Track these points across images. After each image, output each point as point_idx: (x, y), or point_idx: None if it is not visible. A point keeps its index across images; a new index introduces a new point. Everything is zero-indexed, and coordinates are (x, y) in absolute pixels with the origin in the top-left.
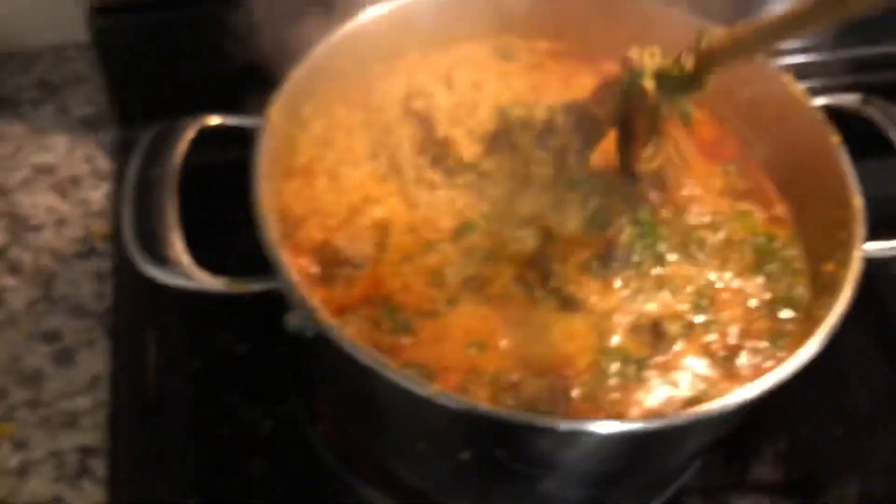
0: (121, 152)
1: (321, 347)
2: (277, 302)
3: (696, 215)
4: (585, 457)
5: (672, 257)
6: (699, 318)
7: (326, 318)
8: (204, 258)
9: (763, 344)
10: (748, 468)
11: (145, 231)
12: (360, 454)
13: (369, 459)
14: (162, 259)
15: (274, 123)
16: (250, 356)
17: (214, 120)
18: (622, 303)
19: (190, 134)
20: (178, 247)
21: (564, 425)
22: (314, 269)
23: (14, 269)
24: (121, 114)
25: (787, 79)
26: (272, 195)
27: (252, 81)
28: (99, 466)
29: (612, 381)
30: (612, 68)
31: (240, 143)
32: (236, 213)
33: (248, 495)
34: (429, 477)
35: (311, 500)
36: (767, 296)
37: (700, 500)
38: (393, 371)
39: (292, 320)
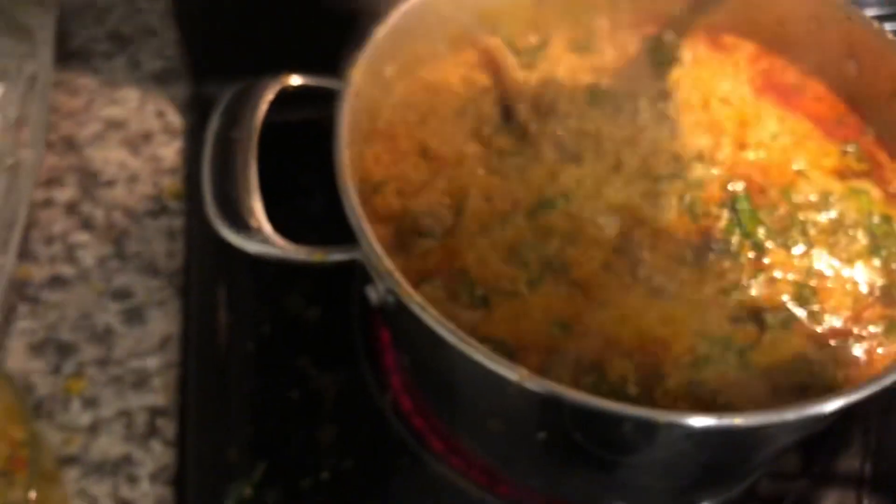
0: (193, 108)
1: (401, 319)
2: (351, 269)
3: (803, 196)
4: (672, 448)
5: (772, 244)
6: (802, 309)
7: (412, 292)
8: (278, 220)
9: (876, 329)
10: (834, 459)
11: (225, 195)
12: (431, 428)
13: (440, 433)
14: (242, 225)
15: (356, 85)
16: (320, 321)
17: (296, 80)
18: (718, 293)
19: (270, 94)
20: (258, 213)
21: (664, 417)
22: (391, 236)
23: (86, 224)
24: (193, 69)
25: None
26: (354, 161)
27: (332, 39)
28: (168, 427)
29: (710, 369)
30: None
31: (315, 103)
32: (310, 173)
33: (316, 463)
34: (501, 456)
35: (379, 471)
36: (881, 282)
37: (780, 491)
38: (480, 352)
39: (374, 292)
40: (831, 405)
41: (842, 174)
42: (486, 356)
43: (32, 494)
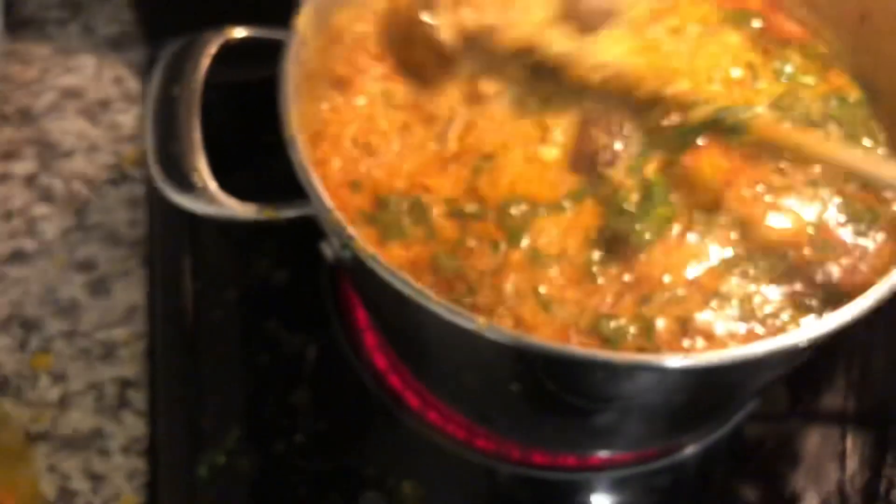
0: (150, 73)
1: (359, 274)
2: (314, 227)
3: None
4: (646, 391)
5: None
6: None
7: (365, 245)
8: (235, 183)
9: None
10: (818, 397)
11: (169, 155)
12: (406, 385)
13: (416, 390)
14: (188, 185)
15: (302, 34)
16: (289, 284)
17: (240, 32)
18: None
19: (213, 49)
20: (203, 171)
21: (623, 359)
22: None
23: (46, 197)
24: (148, 31)
25: None
26: (307, 116)
27: None
28: (138, 398)
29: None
30: None
31: (270, 59)
32: (270, 133)
33: (292, 426)
34: (476, 409)
35: (355, 431)
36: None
37: (765, 431)
38: (436, 303)
39: (329, 248)
40: (805, 334)
41: None
42: (442, 307)
43: None
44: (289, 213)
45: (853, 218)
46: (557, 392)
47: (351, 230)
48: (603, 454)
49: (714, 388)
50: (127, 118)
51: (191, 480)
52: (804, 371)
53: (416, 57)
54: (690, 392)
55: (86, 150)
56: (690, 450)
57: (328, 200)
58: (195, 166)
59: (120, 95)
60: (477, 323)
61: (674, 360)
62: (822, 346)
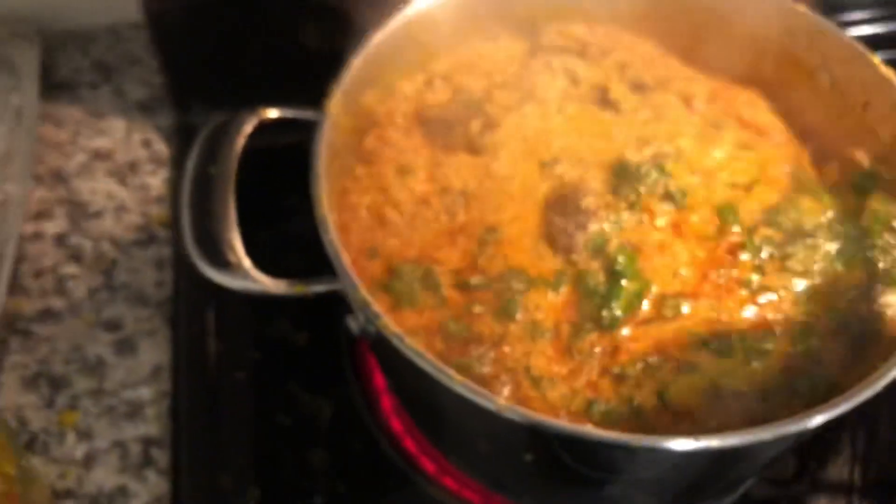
0: (178, 137)
1: (382, 349)
2: (337, 297)
3: None
4: (656, 467)
5: None
6: None
7: (390, 324)
8: (263, 245)
9: None
10: (825, 467)
11: (204, 233)
12: (421, 449)
13: (431, 455)
14: (222, 261)
15: (334, 115)
16: (309, 346)
17: (273, 113)
18: None
19: (248, 129)
20: (238, 249)
21: (641, 442)
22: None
23: (75, 256)
24: (177, 97)
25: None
26: (334, 193)
27: (313, 65)
28: (162, 457)
29: None
30: None
31: (296, 128)
32: (295, 197)
33: (310, 487)
34: (490, 476)
35: (372, 494)
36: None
37: (772, 497)
38: (458, 383)
39: (355, 322)
40: (811, 422)
41: None
42: (464, 387)
43: None
44: (318, 288)
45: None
46: (570, 464)
47: (377, 309)
48: None
49: (723, 464)
50: (155, 180)
51: None
52: (811, 441)
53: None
54: (701, 468)
55: (115, 211)
56: None
57: (357, 279)
58: (230, 244)
59: (148, 158)
60: (496, 404)
61: (683, 444)
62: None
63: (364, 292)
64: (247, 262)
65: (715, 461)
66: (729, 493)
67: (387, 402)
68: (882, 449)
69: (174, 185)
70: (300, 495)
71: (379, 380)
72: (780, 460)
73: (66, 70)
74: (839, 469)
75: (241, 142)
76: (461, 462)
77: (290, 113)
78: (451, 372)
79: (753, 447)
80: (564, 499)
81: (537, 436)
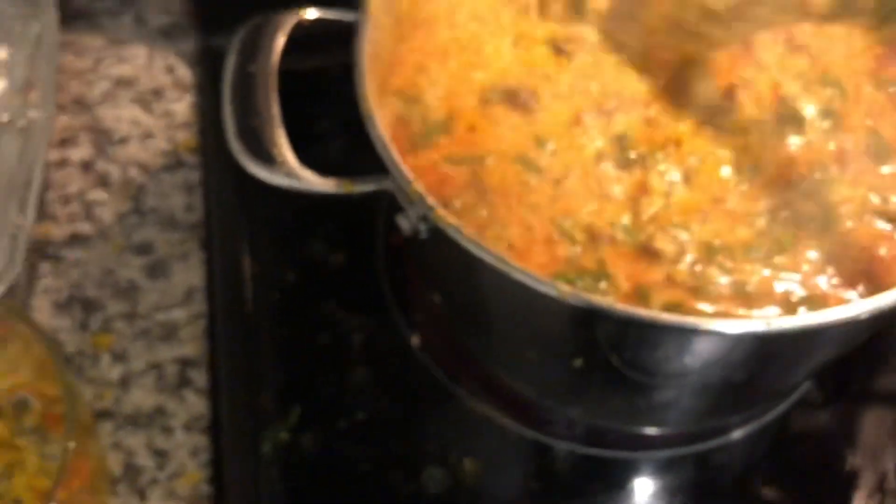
0: (202, 62)
1: (434, 247)
2: (373, 212)
3: None
4: (709, 360)
5: None
6: None
7: (447, 216)
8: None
9: None
10: (871, 378)
11: (248, 130)
12: (462, 362)
13: (473, 367)
14: (267, 158)
15: (374, 14)
16: (345, 266)
17: (311, 14)
18: None
19: (287, 28)
20: (283, 146)
21: (697, 324)
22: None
23: (103, 182)
24: (200, 22)
25: None
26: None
27: None
28: (199, 377)
29: None
30: None
31: (322, 49)
32: (323, 120)
33: (353, 405)
34: (537, 385)
35: (414, 409)
36: None
37: (818, 413)
38: (518, 271)
39: (406, 220)
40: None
41: None
42: (525, 275)
43: (72, 445)
44: (365, 187)
45: None
46: (621, 364)
47: (432, 202)
48: (654, 432)
49: (782, 355)
50: (180, 106)
51: (255, 457)
52: (857, 353)
53: None
54: (749, 362)
55: (140, 137)
56: (739, 433)
57: (409, 173)
58: (275, 141)
59: (172, 84)
60: (559, 290)
61: (754, 325)
62: (881, 326)
63: (418, 185)
64: (292, 159)
65: (763, 354)
66: (775, 404)
67: (425, 320)
68: None
69: (204, 106)
70: (343, 412)
71: (417, 298)
72: (827, 375)
73: None
74: (887, 379)
75: (281, 41)
76: (506, 373)
77: (329, 14)
78: (512, 260)
79: (809, 336)
80: (611, 407)
81: (591, 325)
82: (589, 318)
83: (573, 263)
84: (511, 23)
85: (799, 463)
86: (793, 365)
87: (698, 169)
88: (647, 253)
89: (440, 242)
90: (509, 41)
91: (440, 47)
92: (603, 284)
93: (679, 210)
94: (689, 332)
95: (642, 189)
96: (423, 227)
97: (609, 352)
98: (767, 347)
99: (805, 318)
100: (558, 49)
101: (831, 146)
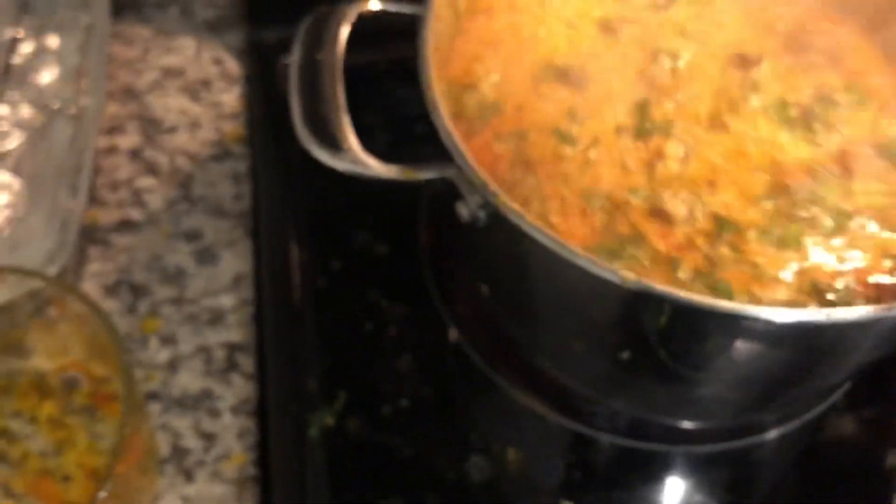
0: (250, 55)
1: (493, 234)
2: (416, 205)
3: None
4: (753, 352)
5: None
6: None
7: (510, 202)
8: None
9: None
10: None
11: (315, 116)
12: (504, 353)
13: (514, 359)
14: (334, 144)
15: (437, 6)
16: (389, 257)
17: (375, 5)
18: None
19: (351, 18)
20: (348, 132)
21: (752, 311)
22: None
23: (151, 170)
24: (248, 15)
25: None
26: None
27: None
28: (246, 362)
29: None
30: None
31: (374, 44)
32: (371, 114)
33: (397, 392)
34: (581, 377)
35: (459, 398)
36: None
37: (853, 418)
38: (582, 256)
39: (465, 208)
40: None
41: None
42: (588, 260)
43: (127, 426)
44: (428, 174)
45: None
46: (667, 356)
47: (495, 188)
48: (694, 426)
49: (830, 350)
50: (228, 97)
51: (301, 441)
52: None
53: None
54: (794, 356)
55: (188, 127)
56: (776, 432)
57: (473, 160)
58: (341, 128)
59: (220, 75)
60: (621, 276)
61: (805, 314)
62: None
63: (482, 171)
64: (357, 145)
65: (810, 346)
66: (814, 404)
67: (468, 311)
68: None
69: (252, 98)
70: (388, 399)
71: (460, 289)
72: (866, 375)
73: None
74: None
75: (345, 30)
76: (551, 364)
77: (392, 6)
78: (575, 246)
79: (859, 328)
80: (654, 400)
81: (647, 317)
82: (646, 305)
83: (611, 232)
84: (567, 3)
85: (835, 464)
86: (838, 361)
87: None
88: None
89: (499, 229)
90: (564, 23)
91: (496, 34)
92: (639, 251)
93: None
94: (743, 320)
95: (658, 154)
96: (482, 215)
97: (658, 343)
98: (817, 340)
99: (864, 310)
100: (608, 28)
101: None
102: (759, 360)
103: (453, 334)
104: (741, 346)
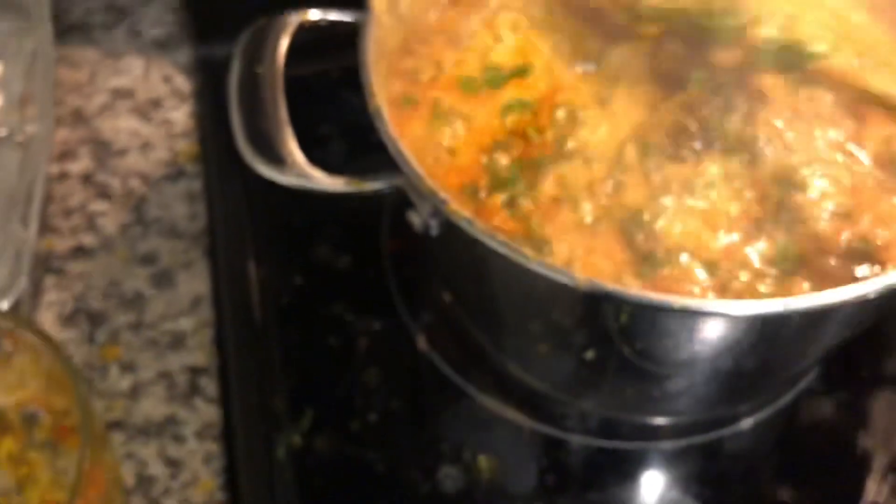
0: (199, 71)
1: (447, 242)
2: (379, 214)
3: None
4: (716, 346)
5: None
6: None
7: (460, 210)
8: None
9: None
10: (879, 362)
11: (256, 131)
12: (472, 360)
13: (483, 365)
14: (277, 158)
15: (377, 12)
16: (351, 269)
17: (314, 14)
18: None
19: (290, 29)
20: (292, 146)
21: (706, 306)
22: None
23: (104, 194)
24: (196, 32)
25: None
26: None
27: None
28: (209, 385)
29: None
30: None
31: (320, 54)
32: (324, 124)
33: (365, 406)
34: (549, 379)
35: (426, 408)
36: None
37: (828, 398)
38: (534, 260)
39: (417, 216)
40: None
41: None
42: (541, 265)
43: (86, 459)
44: (375, 184)
45: None
46: (632, 353)
47: (444, 195)
48: (666, 421)
49: (778, 342)
50: (179, 115)
51: (269, 462)
52: (863, 339)
53: None
54: (758, 347)
55: (140, 148)
56: (749, 421)
57: (420, 168)
58: (284, 142)
59: (170, 94)
60: (574, 278)
61: (761, 306)
62: (885, 309)
63: (429, 180)
64: (301, 159)
65: (772, 337)
66: (784, 391)
67: (434, 319)
68: None
69: (203, 115)
70: (356, 414)
71: (425, 298)
72: (835, 358)
73: (78, 12)
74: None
75: (285, 42)
76: (519, 367)
77: (332, 15)
78: (527, 250)
79: (816, 317)
80: (623, 398)
81: (606, 317)
82: (601, 306)
83: None
84: None
85: (809, 449)
86: (803, 348)
87: None
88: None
89: (452, 237)
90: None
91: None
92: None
93: None
94: (702, 316)
95: None
96: (434, 223)
97: (621, 341)
98: (778, 329)
99: (819, 297)
100: None
101: None
102: (724, 353)
103: (421, 343)
104: (703, 341)
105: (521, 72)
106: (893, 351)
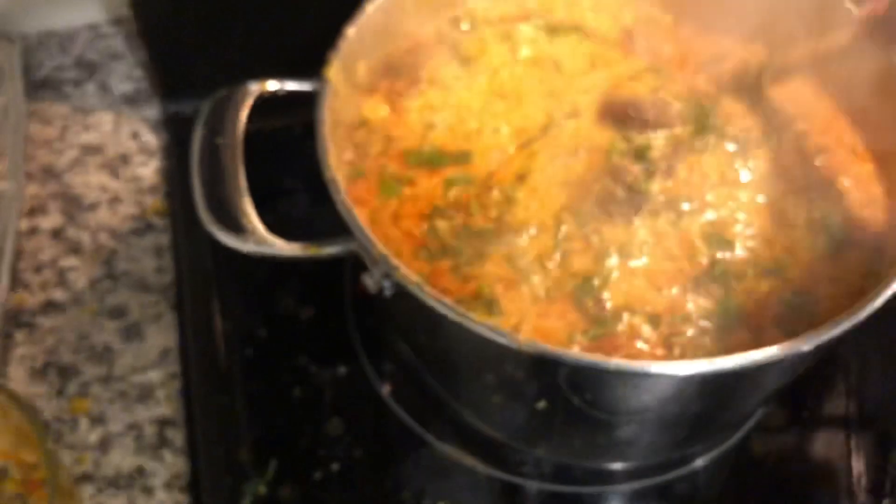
0: (167, 127)
1: (399, 303)
2: (340, 266)
3: None
4: (661, 398)
5: None
6: None
7: (410, 275)
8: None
9: None
10: (820, 404)
11: (217, 200)
12: (432, 409)
13: (442, 413)
14: (236, 227)
15: (334, 83)
16: (314, 320)
17: (273, 85)
18: None
19: (250, 99)
20: (250, 214)
21: (643, 368)
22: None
23: (74, 249)
24: (163, 88)
25: None
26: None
27: (295, 49)
28: (177, 436)
29: None
30: None
31: (287, 110)
32: (290, 177)
33: (328, 456)
34: (504, 427)
35: (388, 457)
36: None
37: (773, 439)
38: (479, 324)
39: (370, 279)
40: (810, 343)
41: None
42: (485, 327)
43: None
44: (331, 249)
45: None
46: (581, 404)
47: (395, 261)
48: (619, 466)
49: (722, 394)
50: (147, 171)
51: None
52: (805, 381)
53: None
54: (701, 397)
55: (109, 203)
56: (700, 461)
57: (371, 235)
58: (243, 209)
59: (138, 149)
60: (515, 340)
61: (691, 366)
62: (822, 355)
63: (381, 246)
64: (260, 227)
65: (714, 390)
66: (732, 432)
67: (395, 369)
68: (874, 379)
69: (171, 170)
70: (319, 463)
71: (386, 348)
72: (780, 402)
73: (48, 69)
74: (834, 404)
75: (245, 112)
76: (475, 417)
77: (290, 84)
78: (472, 315)
79: (753, 372)
80: (575, 445)
81: (550, 371)
82: (545, 365)
83: None
84: None
85: (759, 485)
86: (744, 396)
87: None
88: None
89: (404, 299)
90: None
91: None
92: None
93: None
94: (637, 376)
95: None
96: (387, 285)
97: (569, 394)
98: (718, 382)
99: (746, 357)
100: None
101: None
102: (667, 403)
103: (383, 393)
104: (645, 394)
105: (461, 157)
106: (834, 390)
